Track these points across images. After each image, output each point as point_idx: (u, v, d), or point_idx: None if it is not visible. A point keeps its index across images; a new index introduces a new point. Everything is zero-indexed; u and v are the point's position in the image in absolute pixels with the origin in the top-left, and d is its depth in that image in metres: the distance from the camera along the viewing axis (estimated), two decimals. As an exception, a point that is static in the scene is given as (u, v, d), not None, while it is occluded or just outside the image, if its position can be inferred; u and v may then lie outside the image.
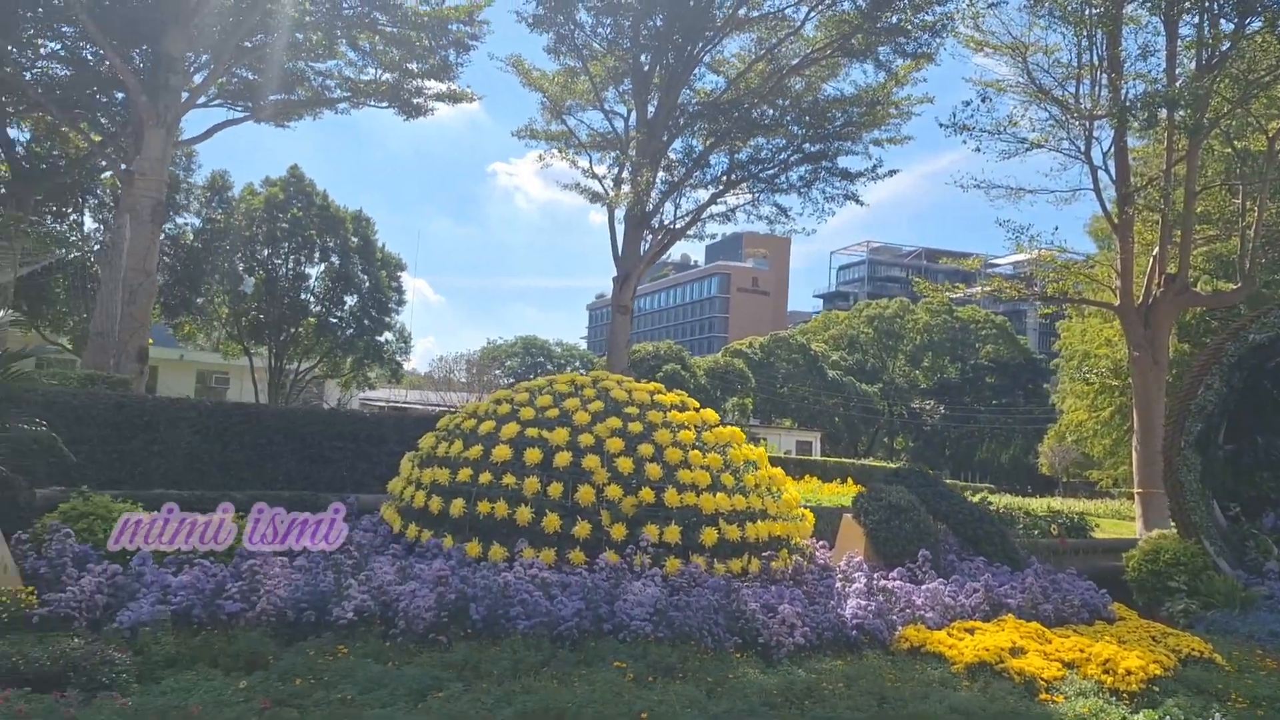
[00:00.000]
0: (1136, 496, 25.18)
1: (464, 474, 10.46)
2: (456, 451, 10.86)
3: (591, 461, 10.28)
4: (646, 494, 10.12)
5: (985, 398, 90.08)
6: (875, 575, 10.97)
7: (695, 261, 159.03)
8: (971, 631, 9.49)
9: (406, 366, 60.33)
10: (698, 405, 12.03)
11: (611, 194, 30.43)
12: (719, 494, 10.45)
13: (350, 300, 52.95)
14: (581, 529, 9.80)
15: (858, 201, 29.52)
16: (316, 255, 48.97)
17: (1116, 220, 24.58)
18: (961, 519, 13.22)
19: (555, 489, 10.12)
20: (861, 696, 7.53)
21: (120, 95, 30.80)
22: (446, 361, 67.80)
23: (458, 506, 10.19)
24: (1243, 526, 14.93)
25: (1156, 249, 24.71)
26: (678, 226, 30.21)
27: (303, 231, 46.19)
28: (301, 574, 8.89)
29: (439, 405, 53.24)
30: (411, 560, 9.74)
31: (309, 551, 9.35)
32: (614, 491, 10.05)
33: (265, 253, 47.63)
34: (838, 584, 10.52)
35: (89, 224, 43.71)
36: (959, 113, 24.81)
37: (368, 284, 51.47)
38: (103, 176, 40.57)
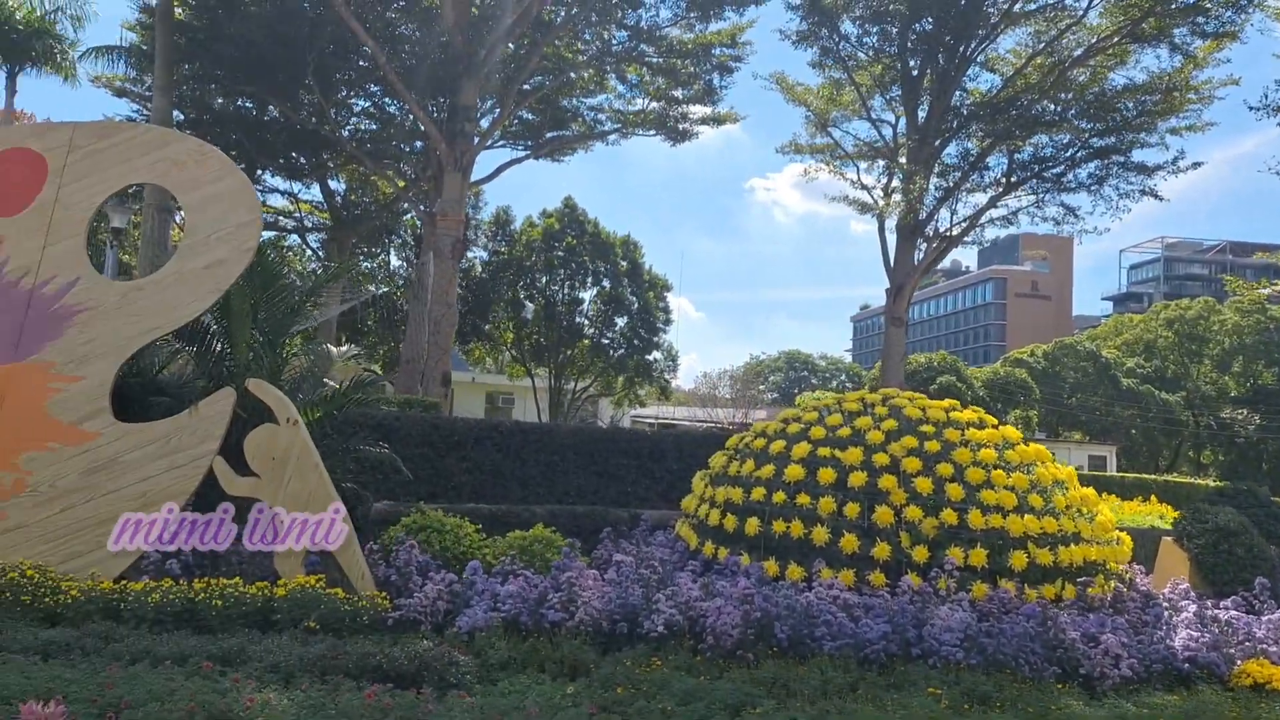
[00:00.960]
0: None
1: (757, 493, 10.62)
2: (748, 470, 11.05)
3: (888, 481, 10.12)
4: (949, 515, 9.82)
5: (1312, 404, 80.00)
6: (1205, 604, 10.06)
7: (966, 267, 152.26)
8: (1335, 670, 8.48)
9: (673, 384, 61.80)
10: (996, 422, 11.54)
11: (881, 203, 29.87)
12: (1027, 516, 9.97)
13: (620, 321, 55.07)
14: (880, 550, 9.67)
15: (1156, 196, 27.28)
16: (589, 280, 51.35)
17: None
18: (1306, 543, 11.87)
19: (851, 509, 10.05)
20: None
21: (419, 145, 33.80)
22: (710, 378, 68.84)
23: (752, 525, 10.36)
24: None
25: None
26: (954, 233, 29.15)
27: (576, 259, 48.68)
28: (612, 587, 9.33)
29: (705, 422, 54.06)
30: (712, 577, 9.98)
31: (620, 565, 9.78)
32: (913, 513, 9.84)
33: (543, 280, 50.50)
34: (1165, 613, 9.73)
35: (394, 262, 48.17)
36: (1271, 93, 22.40)
37: (636, 305, 53.32)
38: (405, 219, 44.60)
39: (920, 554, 9.58)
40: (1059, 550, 9.82)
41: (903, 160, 29.72)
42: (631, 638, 8.90)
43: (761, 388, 76.95)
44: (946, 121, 28.91)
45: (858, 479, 10.21)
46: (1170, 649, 8.70)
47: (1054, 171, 27.75)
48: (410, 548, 9.96)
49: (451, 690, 7.81)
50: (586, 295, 52.18)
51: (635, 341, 55.07)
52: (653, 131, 36.67)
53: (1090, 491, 11.07)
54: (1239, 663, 8.81)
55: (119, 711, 6.64)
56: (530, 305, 51.01)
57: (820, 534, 9.87)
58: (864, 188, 31.44)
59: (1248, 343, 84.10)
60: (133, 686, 7.14)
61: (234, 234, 10.71)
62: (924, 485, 10.03)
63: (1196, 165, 26.55)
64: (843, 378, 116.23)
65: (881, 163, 32.02)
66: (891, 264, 29.22)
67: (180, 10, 27.01)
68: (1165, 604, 10.03)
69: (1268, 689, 8.33)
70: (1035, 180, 28.00)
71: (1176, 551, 11.37)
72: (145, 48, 28.02)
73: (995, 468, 10.38)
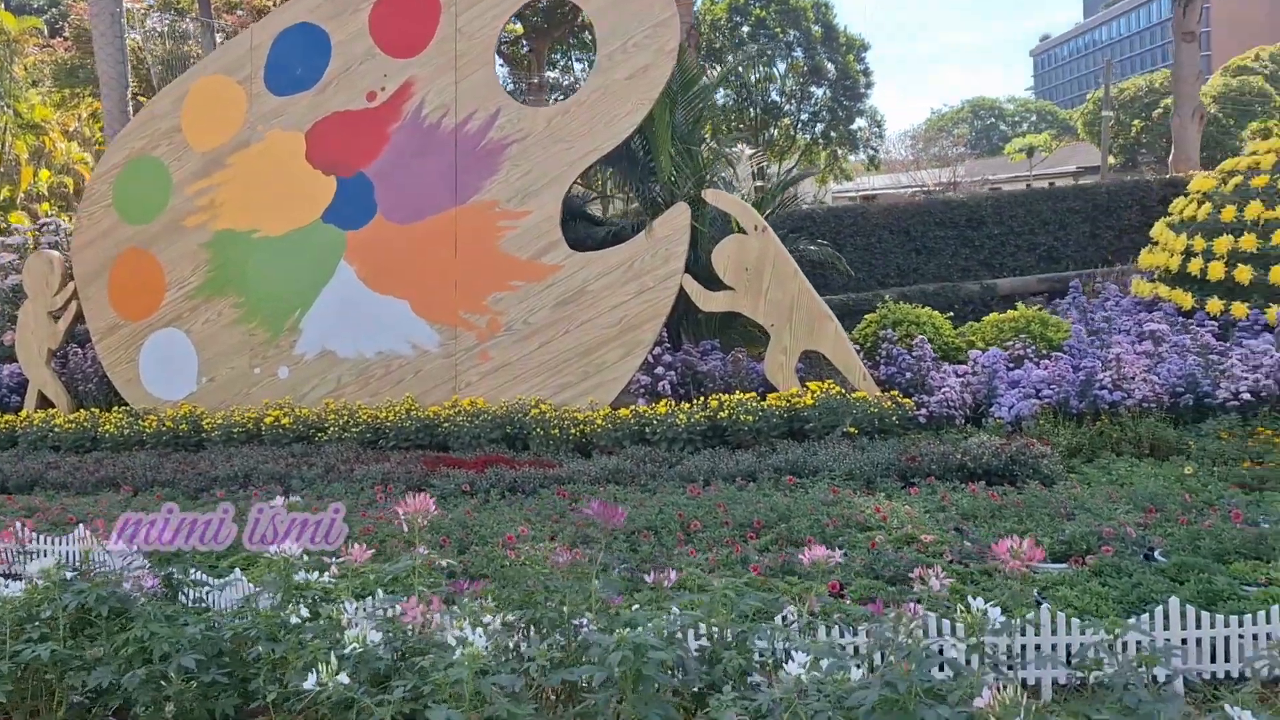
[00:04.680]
0: None
1: (1278, 236, 9.52)
2: (1253, 214, 9.90)
3: None
4: None
5: None
6: None
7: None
8: None
9: (880, 152, 58.84)
10: None
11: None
12: None
13: (819, 92, 52.26)
14: None
15: None
16: (782, 53, 48.60)
17: None
18: None
19: None
20: None
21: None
22: (902, 138, 65.05)
23: (1278, 273, 9.34)
24: None
25: None
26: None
27: (766, 30, 45.94)
28: (1156, 361, 8.64)
29: (910, 187, 51.19)
30: (1240, 337, 9.13)
31: (1157, 338, 9.05)
32: None
33: (730, 59, 48.11)
34: None
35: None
36: None
37: (834, 72, 50.32)
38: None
39: None
40: None
41: None
42: (1198, 410, 8.25)
43: (947, 142, 72.61)
44: None
45: None
46: None
47: None
48: (921, 343, 9.48)
49: (1031, 481, 7.42)
50: (779, 69, 49.57)
51: (839, 112, 52.39)
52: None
53: None
54: None
55: (759, 532, 6.57)
56: (722, 90, 49.09)
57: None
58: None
59: None
60: (747, 507, 7.06)
61: (652, 35, 9.94)
62: None
63: None
64: (1034, 119, 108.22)
65: None
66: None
67: None
68: None
69: None
70: None
71: None
72: None
73: None
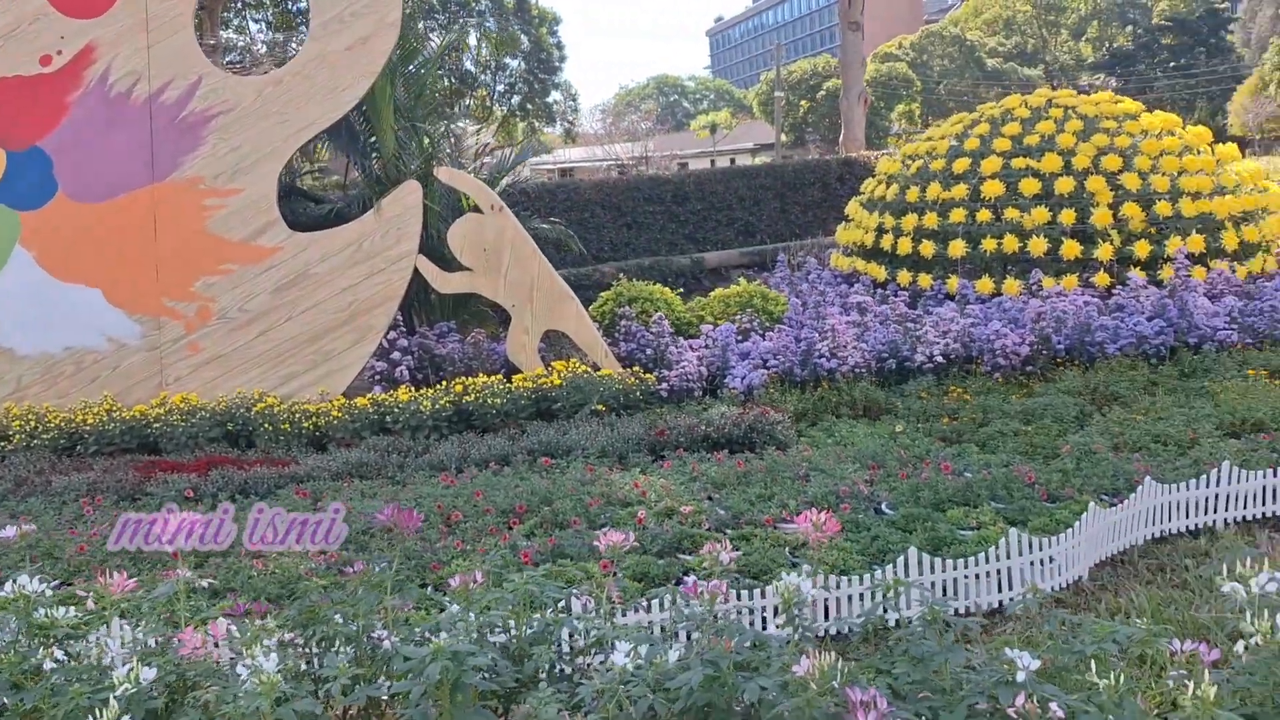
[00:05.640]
0: None
1: (956, 215, 10.67)
2: (933, 194, 11.04)
3: (1096, 183, 10.32)
4: (1163, 207, 10.17)
5: (1162, 62, 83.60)
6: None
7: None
8: None
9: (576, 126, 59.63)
10: (1138, 108, 11.72)
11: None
12: (1227, 196, 10.41)
13: (513, 64, 52.36)
14: (1104, 251, 10.00)
15: None
16: (472, 22, 48.27)
17: None
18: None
19: (1068, 216, 10.26)
20: None
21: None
22: (592, 112, 66.35)
23: (957, 248, 10.50)
24: None
25: None
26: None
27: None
28: (862, 330, 9.47)
29: (606, 160, 52.28)
30: (928, 306, 10.19)
31: (863, 309, 9.87)
32: (1131, 209, 10.13)
33: (420, 26, 47.01)
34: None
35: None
36: None
37: (527, 44, 50.55)
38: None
39: (1142, 249, 9.97)
40: (1261, 225, 10.38)
41: None
42: (901, 372, 9.14)
43: (635, 117, 75.05)
44: None
45: (1065, 185, 10.35)
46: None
47: None
48: (660, 319, 9.76)
49: (768, 448, 7.94)
50: (472, 39, 49.04)
51: (534, 85, 52.68)
52: None
53: (1255, 165, 11.54)
54: None
55: (522, 517, 6.57)
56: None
57: (1039, 244, 10.10)
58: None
59: (1102, 6, 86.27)
60: (507, 493, 7.02)
61: (372, 5, 9.45)
62: (1132, 181, 10.27)
63: None
64: (711, 96, 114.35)
65: None
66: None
67: None
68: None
69: None
70: None
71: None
72: None
73: (1181, 155, 10.67)
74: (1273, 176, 13.88)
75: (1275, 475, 6.06)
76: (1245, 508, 6.06)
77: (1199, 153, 10.91)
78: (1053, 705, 2.58)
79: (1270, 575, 3.00)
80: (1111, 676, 2.56)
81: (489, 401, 8.67)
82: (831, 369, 8.96)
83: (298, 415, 8.69)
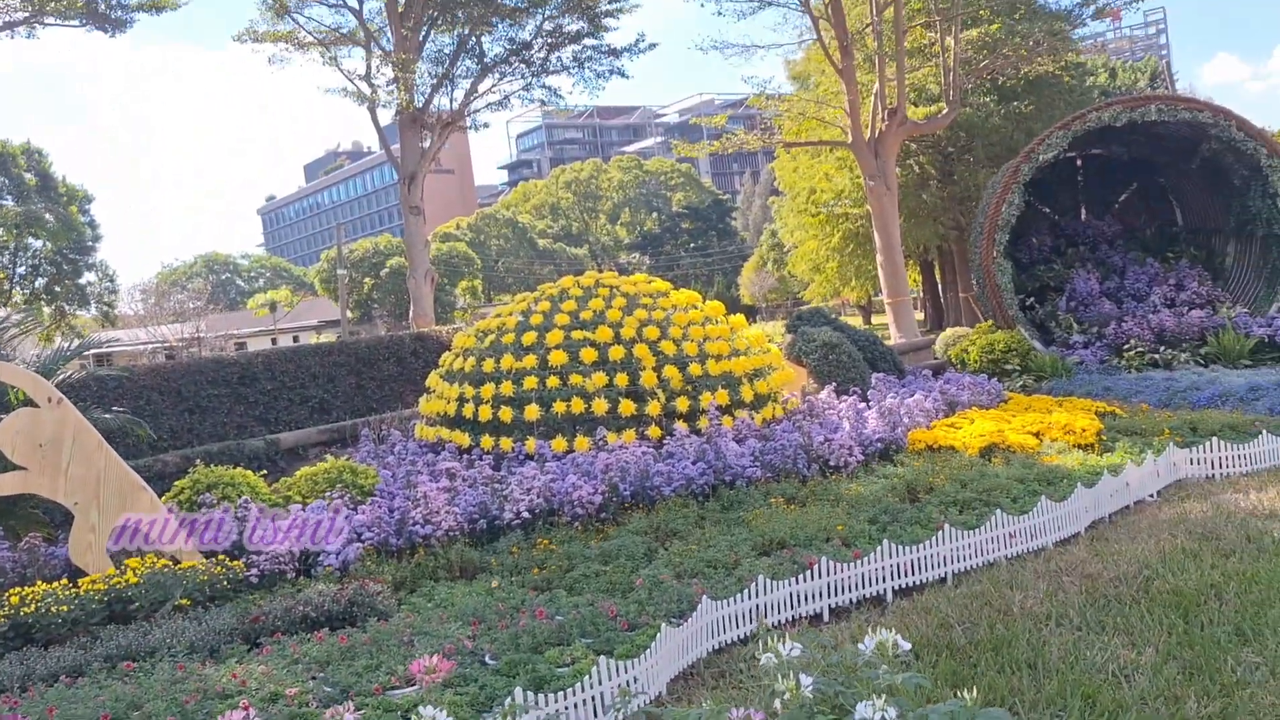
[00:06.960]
0: (888, 306, 29.38)
1: (529, 383, 11.67)
2: (507, 365, 11.99)
3: (641, 350, 11.87)
4: (695, 369, 11.92)
5: (684, 242, 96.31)
6: (843, 401, 13.51)
7: (369, 149, 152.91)
8: (955, 427, 12.26)
9: (116, 308, 55.48)
10: (668, 287, 13.78)
11: (369, 93, 30.09)
12: (740, 358, 12.44)
13: (38, 244, 48.58)
14: (653, 407, 11.47)
15: (623, 75, 31.18)
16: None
17: (840, 66, 27.58)
18: (863, 344, 16.09)
19: (622, 379, 11.65)
20: (950, 480, 10.03)
21: None
22: (131, 292, 62.11)
23: (532, 411, 11.47)
24: (1039, 312, 19.09)
25: (876, 86, 27.82)
26: (453, 120, 30.57)
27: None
28: (453, 495, 10.00)
29: (150, 343, 48.81)
30: (511, 467, 11.02)
31: (452, 474, 10.37)
32: (671, 372, 11.75)
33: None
34: (831, 414, 12.95)
35: None
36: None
37: (54, 223, 47.12)
38: None
39: (682, 404, 11.60)
40: (769, 379, 12.50)
41: (389, 48, 30.24)
42: (492, 531, 9.75)
43: (181, 296, 71.44)
44: (421, 10, 29.72)
45: (617, 353, 11.80)
46: (864, 435, 11.83)
47: (538, 56, 30.12)
48: (245, 503, 9.49)
49: (374, 619, 8.12)
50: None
51: (64, 265, 48.84)
52: (79, 21, 32.34)
53: (758, 332, 13.89)
54: (905, 435, 12.14)
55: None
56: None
57: (600, 405, 11.37)
58: (350, 78, 31.25)
59: (632, 196, 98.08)
60: (86, 705, 6.52)
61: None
62: (668, 347, 11.96)
63: (654, 46, 30.77)
64: (269, 274, 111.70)
65: (350, 49, 31.96)
66: (402, 154, 29.85)
67: None
68: (828, 408, 13.26)
69: (936, 448, 11.65)
70: (524, 65, 30.14)
71: (794, 367, 14.78)
72: None
73: (704, 324, 12.66)
74: (774, 338, 16.80)
75: (798, 582, 7.41)
76: (780, 612, 7.32)
77: (717, 322, 13.11)
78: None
79: (793, 645, 3.91)
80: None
81: (53, 610, 7.91)
82: (427, 534, 9.34)
83: None
